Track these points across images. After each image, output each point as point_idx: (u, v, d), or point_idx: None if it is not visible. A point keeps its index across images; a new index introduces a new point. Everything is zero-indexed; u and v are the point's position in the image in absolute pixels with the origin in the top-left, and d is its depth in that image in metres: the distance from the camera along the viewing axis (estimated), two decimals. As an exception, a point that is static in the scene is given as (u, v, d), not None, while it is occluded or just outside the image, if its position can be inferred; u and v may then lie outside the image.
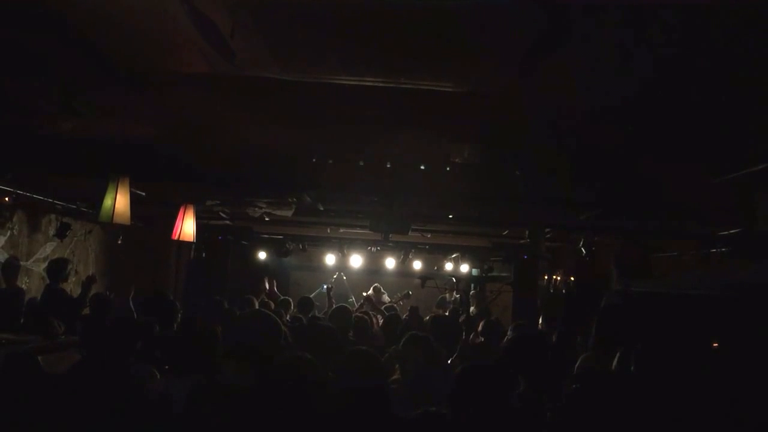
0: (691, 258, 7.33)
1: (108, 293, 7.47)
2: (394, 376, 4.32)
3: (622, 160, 5.02)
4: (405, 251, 11.93)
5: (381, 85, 3.85)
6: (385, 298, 11.74)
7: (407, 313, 8.57)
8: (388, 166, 5.75)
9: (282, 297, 9.86)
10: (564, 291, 10.52)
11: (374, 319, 8.19)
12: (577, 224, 7.38)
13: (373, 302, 10.12)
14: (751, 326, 5.20)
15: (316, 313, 8.53)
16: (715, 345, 5.54)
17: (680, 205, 5.92)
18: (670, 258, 7.91)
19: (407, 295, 11.78)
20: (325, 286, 10.95)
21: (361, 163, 5.69)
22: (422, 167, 5.75)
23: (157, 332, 4.89)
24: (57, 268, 7.40)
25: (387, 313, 8.61)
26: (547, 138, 4.58)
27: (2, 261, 7.56)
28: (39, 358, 3.94)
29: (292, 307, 8.80)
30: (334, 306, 9.29)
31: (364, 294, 11.26)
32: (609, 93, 3.55)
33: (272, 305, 8.68)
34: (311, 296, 9.77)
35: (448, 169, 5.40)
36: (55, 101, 4.06)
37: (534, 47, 3.08)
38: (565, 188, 5.93)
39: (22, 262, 7.92)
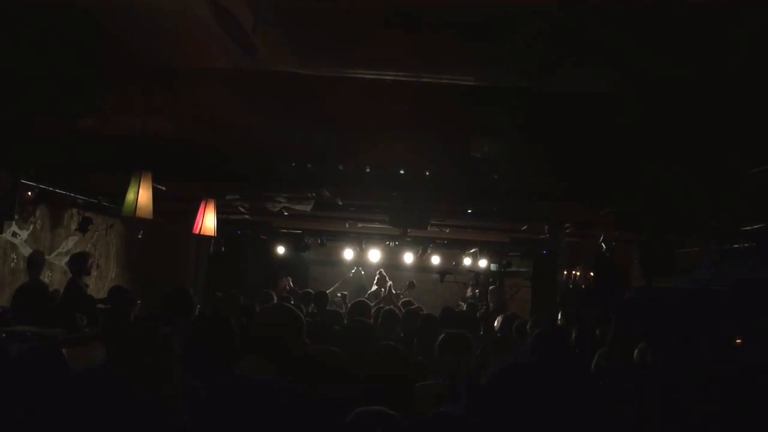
0: (714, 253, 7.25)
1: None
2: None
3: (644, 155, 4.98)
4: (423, 246, 11.92)
5: (402, 79, 3.85)
6: (389, 284, 11.80)
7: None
8: (408, 161, 5.76)
9: (304, 290, 9.89)
10: (583, 287, 10.46)
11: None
12: (598, 220, 7.33)
13: (384, 296, 10.20)
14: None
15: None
16: (738, 341, 5.49)
17: (703, 199, 5.85)
18: (692, 253, 7.84)
19: (412, 285, 11.82)
20: (339, 294, 10.88)
21: (382, 164, 5.71)
22: (441, 162, 5.74)
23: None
24: (79, 262, 7.47)
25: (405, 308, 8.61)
26: (567, 132, 4.55)
27: (26, 255, 7.66)
28: (64, 351, 3.98)
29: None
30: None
31: (375, 287, 11.29)
32: (627, 82, 3.53)
33: (292, 300, 8.71)
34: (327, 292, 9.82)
35: (467, 163, 5.39)
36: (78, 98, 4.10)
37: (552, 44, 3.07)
38: (586, 183, 5.89)
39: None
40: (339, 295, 10.73)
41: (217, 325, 3.57)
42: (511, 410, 2.20)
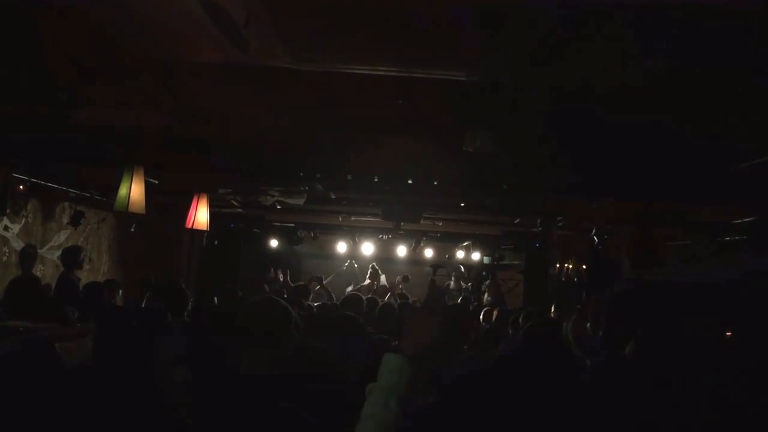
0: (705, 247, 7.29)
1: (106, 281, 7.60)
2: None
3: (636, 146, 5.00)
4: (416, 239, 11.95)
5: (394, 74, 3.85)
6: (383, 279, 11.86)
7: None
8: (401, 155, 5.76)
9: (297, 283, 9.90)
10: (576, 279, 10.52)
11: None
12: (591, 213, 7.37)
13: (376, 290, 10.25)
14: (764, 315, 5.19)
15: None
16: (728, 334, 5.53)
17: (695, 192, 5.88)
18: (683, 246, 7.88)
19: (406, 279, 11.89)
20: (315, 277, 10.76)
21: (374, 158, 5.71)
22: (435, 156, 5.75)
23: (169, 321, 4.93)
24: (71, 256, 7.45)
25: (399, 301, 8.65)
26: (559, 124, 4.56)
27: (18, 249, 7.64)
28: (56, 345, 3.97)
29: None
30: (333, 299, 9.33)
31: (368, 281, 11.31)
32: (624, 77, 3.53)
33: (285, 293, 8.72)
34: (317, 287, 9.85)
35: (461, 157, 5.40)
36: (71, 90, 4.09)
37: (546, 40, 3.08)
38: (577, 175, 5.90)
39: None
40: (315, 278, 10.62)
41: (222, 321, 3.57)
42: (486, 405, 2.22)
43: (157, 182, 6.57)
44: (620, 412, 3.00)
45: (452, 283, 12.72)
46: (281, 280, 10.77)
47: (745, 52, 2.98)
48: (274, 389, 2.75)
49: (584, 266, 9.99)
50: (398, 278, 12.19)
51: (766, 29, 2.70)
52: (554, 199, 7.02)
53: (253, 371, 2.89)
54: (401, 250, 12.56)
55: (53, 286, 7.45)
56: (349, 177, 6.10)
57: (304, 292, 8.64)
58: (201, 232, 8.70)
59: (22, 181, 7.11)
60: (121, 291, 7.56)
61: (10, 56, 3.60)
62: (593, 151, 5.13)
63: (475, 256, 12.29)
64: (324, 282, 10.60)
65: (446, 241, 12.62)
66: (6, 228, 7.56)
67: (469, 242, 12.25)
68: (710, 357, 3.38)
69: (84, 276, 8.58)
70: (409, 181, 6.25)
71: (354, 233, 12.08)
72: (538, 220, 9.00)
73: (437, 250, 12.94)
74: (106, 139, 5.38)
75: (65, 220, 8.56)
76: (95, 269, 9.63)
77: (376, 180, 6.14)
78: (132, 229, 8.93)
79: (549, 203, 7.39)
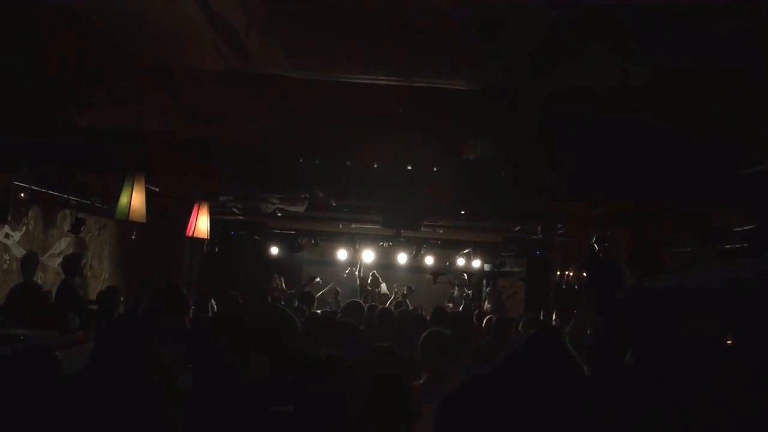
0: (706, 253, 7.27)
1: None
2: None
3: (635, 148, 4.99)
4: (417, 247, 11.94)
5: (394, 83, 3.86)
6: (383, 287, 11.81)
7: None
8: (401, 162, 5.77)
9: (296, 290, 9.88)
10: (576, 286, 10.49)
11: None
12: (590, 215, 7.35)
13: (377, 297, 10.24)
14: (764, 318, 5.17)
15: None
16: (729, 341, 5.51)
17: (695, 194, 5.87)
18: (684, 253, 7.86)
19: (410, 290, 11.81)
20: (317, 280, 10.69)
21: (375, 165, 5.71)
22: (434, 163, 5.75)
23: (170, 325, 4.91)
24: (72, 263, 7.46)
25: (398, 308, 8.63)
26: (559, 126, 4.56)
27: (19, 256, 7.63)
28: (57, 353, 3.96)
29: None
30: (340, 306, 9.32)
31: (369, 288, 11.29)
32: (624, 79, 3.54)
33: (282, 300, 8.72)
34: (321, 293, 9.83)
35: (461, 163, 5.40)
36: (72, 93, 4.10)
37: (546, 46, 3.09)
38: (577, 178, 5.90)
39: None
40: (318, 280, 10.56)
41: (222, 326, 3.56)
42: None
43: (158, 190, 6.57)
44: (620, 414, 2.99)
45: (456, 291, 12.70)
46: (283, 287, 10.77)
47: (745, 52, 2.98)
48: (274, 393, 2.75)
49: (584, 273, 9.97)
50: (395, 286, 12.12)
51: (766, 29, 2.70)
52: (554, 200, 7.01)
53: (255, 375, 2.89)
54: (402, 258, 12.54)
55: (54, 293, 7.45)
56: (346, 174, 6.08)
57: (308, 299, 8.62)
58: (202, 239, 8.71)
59: (23, 189, 7.11)
60: (122, 297, 7.54)
61: (11, 58, 3.61)
62: (593, 153, 5.13)
63: (476, 263, 12.27)
64: (328, 288, 10.59)
65: (447, 248, 12.61)
66: (7, 235, 7.55)
67: (470, 249, 12.23)
68: (710, 360, 3.37)
69: (86, 283, 8.59)
70: (406, 176, 6.22)
71: (355, 240, 12.07)
72: (539, 227, 8.98)
73: (438, 258, 12.92)
74: (106, 142, 5.38)
75: (66, 228, 8.55)
76: (97, 276, 9.62)
77: (374, 177, 6.12)
78: (133, 237, 8.93)
79: (549, 206, 7.38)
